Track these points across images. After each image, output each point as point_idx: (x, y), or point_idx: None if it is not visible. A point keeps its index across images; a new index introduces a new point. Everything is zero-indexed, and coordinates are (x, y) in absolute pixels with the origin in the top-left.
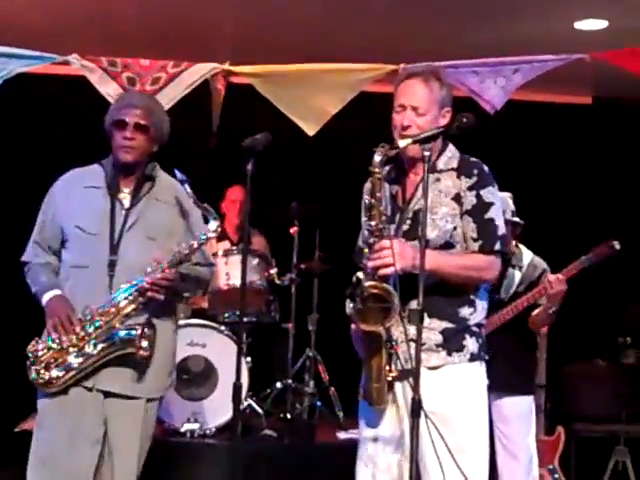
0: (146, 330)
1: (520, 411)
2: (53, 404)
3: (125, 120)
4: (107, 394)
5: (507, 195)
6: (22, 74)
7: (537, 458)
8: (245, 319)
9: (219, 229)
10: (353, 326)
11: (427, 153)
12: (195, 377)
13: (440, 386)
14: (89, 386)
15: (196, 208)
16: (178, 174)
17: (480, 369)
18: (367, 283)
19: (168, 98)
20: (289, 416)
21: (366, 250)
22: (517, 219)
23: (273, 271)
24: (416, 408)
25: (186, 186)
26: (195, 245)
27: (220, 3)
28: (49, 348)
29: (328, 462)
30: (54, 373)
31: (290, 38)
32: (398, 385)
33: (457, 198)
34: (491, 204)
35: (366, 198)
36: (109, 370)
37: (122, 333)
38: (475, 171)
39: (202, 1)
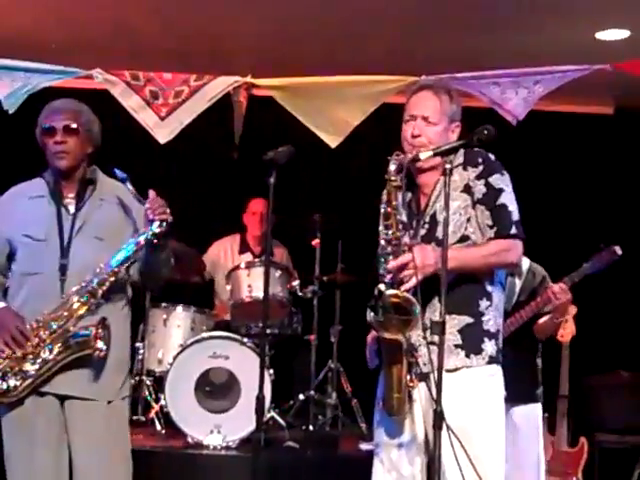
0: (100, 330)
1: (530, 418)
2: (12, 415)
3: (53, 126)
4: (64, 398)
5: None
6: (47, 88)
7: (544, 468)
8: (267, 331)
9: (164, 226)
10: (369, 337)
11: (449, 166)
12: (218, 389)
13: (458, 391)
14: (43, 391)
15: (139, 204)
16: (118, 172)
17: (497, 372)
18: (388, 292)
19: (191, 111)
20: (311, 428)
21: (382, 260)
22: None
23: (296, 283)
24: (438, 420)
25: (127, 184)
26: (142, 242)
27: (241, 16)
28: (3, 358)
29: (351, 473)
30: (12, 382)
31: (310, 51)
32: (415, 391)
33: (467, 189)
34: (501, 190)
35: (382, 207)
36: (65, 374)
37: (77, 335)
38: (480, 159)
39: (224, 15)
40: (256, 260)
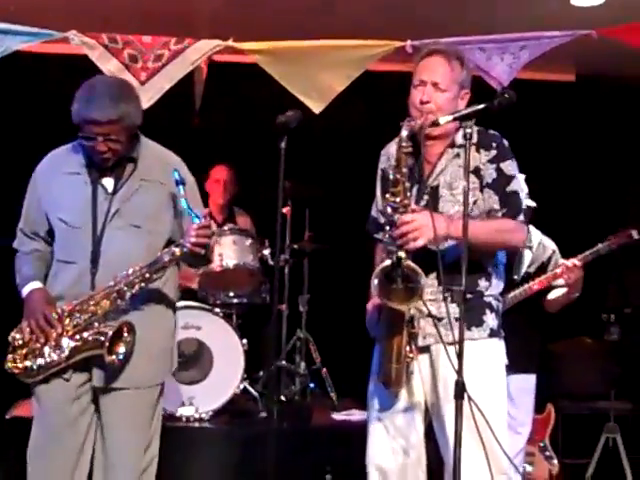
0: (124, 333)
1: (526, 389)
2: (38, 393)
3: (91, 137)
4: (96, 388)
5: (521, 177)
6: (19, 53)
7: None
8: (236, 300)
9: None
10: (370, 305)
11: (469, 130)
12: (190, 360)
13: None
14: (67, 377)
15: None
16: (176, 175)
17: (499, 345)
18: (406, 261)
19: (171, 76)
20: (283, 398)
21: (387, 227)
22: (530, 202)
23: (267, 252)
24: (459, 391)
25: (180, 187)
26: (177, 253)
27: None
28: (25, 340)
29: (325, 443)
30: (28, 364)
31: (287, 13)
32: (414, 363)
33: (476, 172)
34: (512, 177)
35: (390, 172)
36: (97, 364)
37: (93, 335)
38: (494, 144)
39: None
40: (226, 228)
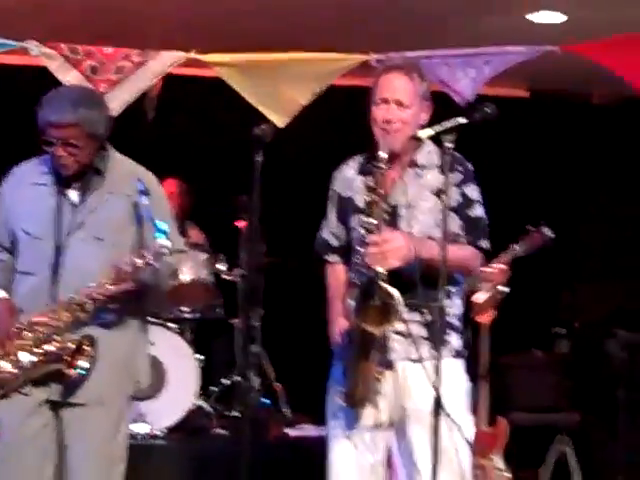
0: (86, 347)
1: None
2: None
3: (51, 141)
4: (59, 404)
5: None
6: None
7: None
8: (189, 315)
9: (167, 247)
10: (340, 325)
11: (449, 145)
12: None
13: (423, 381)
14: (26, 392)
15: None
16: (140, 185)
17: (463, 366)
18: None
19: (134, 88)
20: (237, 414)
21: (359, 248)
22: None
23: (222, 266)
24: (436, 407)
25: (143, 197)
26: (139, 263)
27: None
28: None
29: (281, 460)
30: None
31: (248, 27)
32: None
33: (439, 194)
34: (476, 201)
35: (366, 195)
36: (57, 380)
37: (53, 349)
38: (459, 167)
39: None
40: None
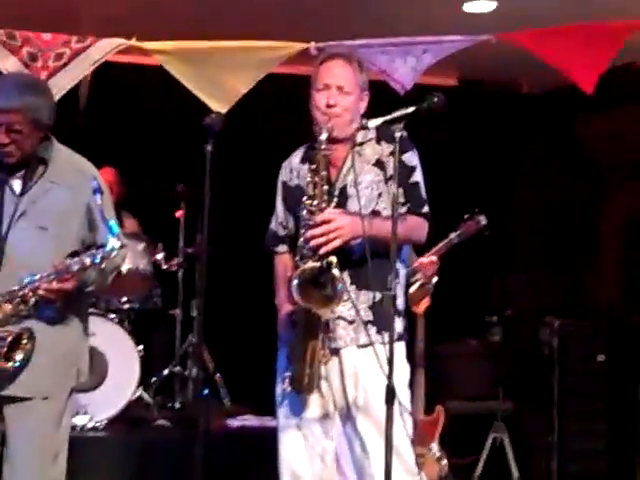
0: (23, 340)
1: None
2: None
3: None
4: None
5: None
6: None
7: None
8: (127, 306)
9: (117, 249)
10: (284, 310)
11: (398, 134)
12: None
13: (370, 366)
14: None
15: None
16: (95, 183)
17: (404, 349)
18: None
19: (73, 75)
20: (177, 405)
21: (303, 231)
22: None
23: (160, 256)
24: (390, 396)
25: (97, 196)
26: (87, 263)
27: None
28: None
29: (222, 450)
30: None
31: (187, 14)
32: (323, 367)
33: (379, 164)
34: (414, 168)
35: (308, 176)
36: None
37: None
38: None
39: None
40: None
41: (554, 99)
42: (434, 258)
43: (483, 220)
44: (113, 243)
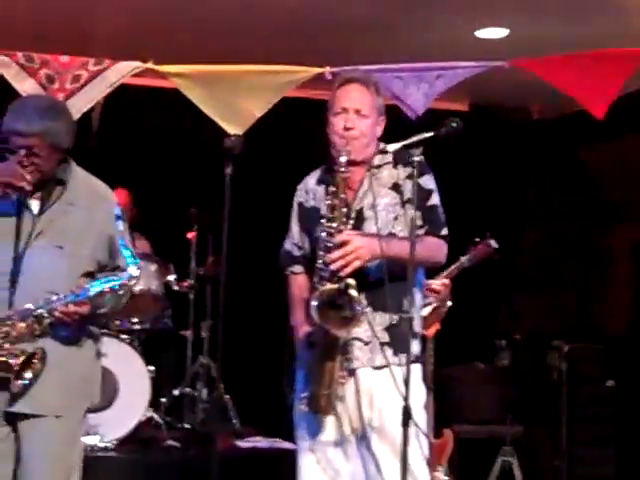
0: (35, 360)
1: None
2: None
3: (14, 149)
4: (15, 415)
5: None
6: None
7: None
8: (138, 326)
9: (135, 279)
10: (301, 332)
11: (417, 158)
12: None
13: (387, 388)
14: None
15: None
16: (117, 210)
17: (420, 371)
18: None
19: (89, 97)
20: (187, 425)
21: (322, 253)
22: None
23: (171, 277)
24: (406, 418)
25: (120, 223)
26: (106, 289)
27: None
28: None
29: (232, 471)
30: None
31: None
32: (339, 388)
33: (395, 187)
34: (431, 191)
35: (328, 199)
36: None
37: (4, 358)
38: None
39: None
40: None
41: (563, 126)
42: (446, 281)
43: (494, 244)
44: (133, 271)
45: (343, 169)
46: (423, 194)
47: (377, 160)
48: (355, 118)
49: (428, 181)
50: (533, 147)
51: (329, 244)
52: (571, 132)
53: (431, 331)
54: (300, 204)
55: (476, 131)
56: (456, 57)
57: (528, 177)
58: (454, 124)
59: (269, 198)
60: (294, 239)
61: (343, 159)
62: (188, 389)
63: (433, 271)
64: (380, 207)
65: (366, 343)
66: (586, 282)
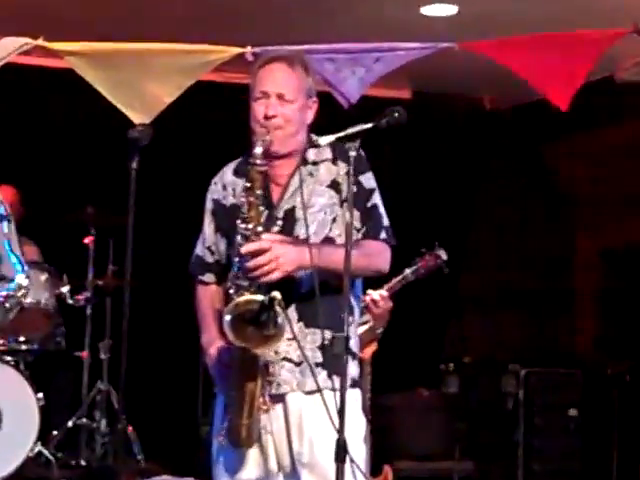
0: None
1: None
2: None
3: None
4: None
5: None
6: None
7: None
8: (25, 346)
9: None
10: (213, 350)
11: (353, 153)
12: None
13: (320, 414)
14: None
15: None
16: (2, 209)
17: (359, 397)
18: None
19: None
20: (83, 462)
21: (236, 260)
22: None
23: (65, 289)
24: (341, 452)
25: (4, 224)
26: None
27: None
28: None
29: None
30: None
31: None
32: (263, 416)
33: (334, 185)
34: (372, 190)
35: (242, 196)
36: None
37: None
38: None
39: None
40: None
41: (520, 117)
42: (385, 293)
43: (443, 255)
44: (21, 281)
45: (259, 161)
46: (363, 194)
47: (314, 155)
48: (277, 104)
49: (369, 179)
50: (485, 141)
51: (243, 250)
52: (530, 125)
53: (367, 352)
54: (216, 201)
55: (420, 123)
56: (398, 37)
57: (479, 176)
58: (396, 114)
59: (181, 196)
60: (207, 242)
61: (258, 150)
62: (84, 420)
63: (373, 284)
64: (316, 208)
65: (297, 364)
66: (546, 296)
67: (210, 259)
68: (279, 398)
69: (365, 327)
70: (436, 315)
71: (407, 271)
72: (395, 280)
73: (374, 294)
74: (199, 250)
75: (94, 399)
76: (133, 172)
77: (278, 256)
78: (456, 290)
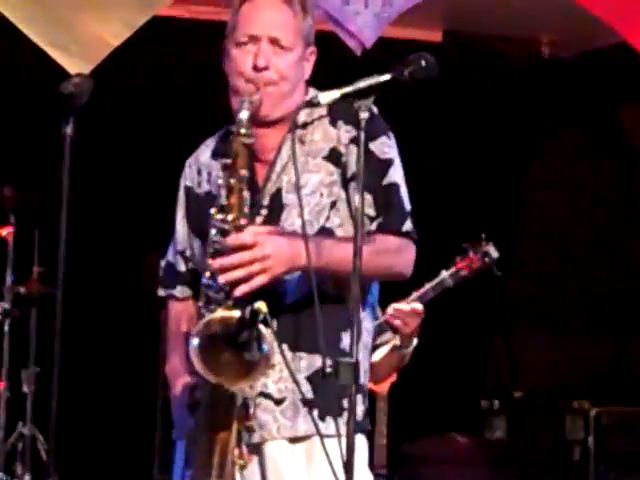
0: None
1: None
2: None
3: None
4: None
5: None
6: None
7: None
8: None
9: None
10: (180, 382)
11: (364, 115)
12: None
13: (310, 470)
14: None
15: None
16: None
17: (365, 446)
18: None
19: None
20: None
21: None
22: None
23: None
24: None
25: None
26: None
27: None
28: None
29: None
30: None
31: None
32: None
33: (333, 156)
34: (389, 163)
35: (222, 176)
36: None
37: None
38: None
39: None
40: None
41: (589, 67)
42: (418, 307)
43: (493, 252)
44: None
45: (244, 131)
46: (377, 167)
47: (304, 115)
48: (271, 51)
49: (385, 146)
50: (542, 99)
51: (219, 248)
52: (602, 78)
53: (384, 386)
54: (189, 189)
55: (455, 74)
56: None
57: (533, 146)
58: (423, 62)
59: (132, 174)
60: (179, 245)
61: (244, 115)
62: (0, 474)
63: (394, 291)
64: (309, 188)
65: (277, 402)
66: (629, 308)
67: (183, 267)
68: (256, 448)
69: (384, 350)
70: (476, 333)
71: (444, 274)
72: (428, 286)
73: (402, 308)
74: (170, 256)
75: (14, 447)
76: (67, 140)
77: (266, 255)
78: (504, 298)
